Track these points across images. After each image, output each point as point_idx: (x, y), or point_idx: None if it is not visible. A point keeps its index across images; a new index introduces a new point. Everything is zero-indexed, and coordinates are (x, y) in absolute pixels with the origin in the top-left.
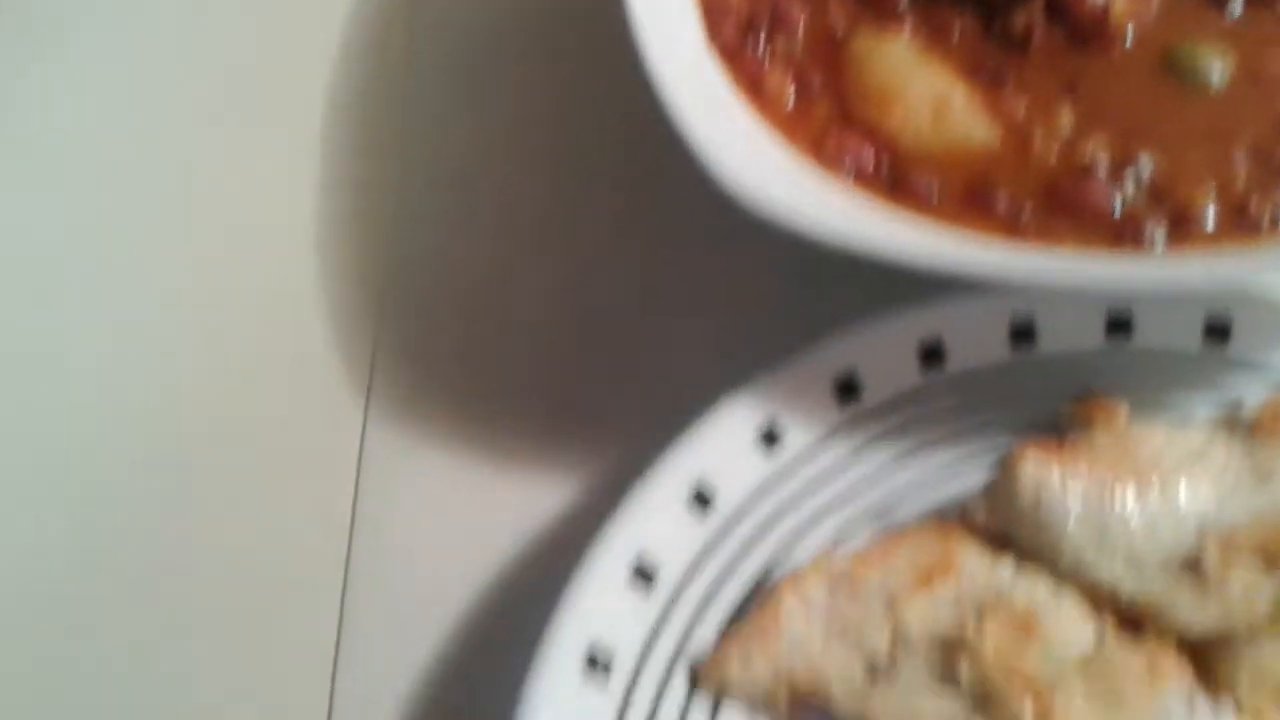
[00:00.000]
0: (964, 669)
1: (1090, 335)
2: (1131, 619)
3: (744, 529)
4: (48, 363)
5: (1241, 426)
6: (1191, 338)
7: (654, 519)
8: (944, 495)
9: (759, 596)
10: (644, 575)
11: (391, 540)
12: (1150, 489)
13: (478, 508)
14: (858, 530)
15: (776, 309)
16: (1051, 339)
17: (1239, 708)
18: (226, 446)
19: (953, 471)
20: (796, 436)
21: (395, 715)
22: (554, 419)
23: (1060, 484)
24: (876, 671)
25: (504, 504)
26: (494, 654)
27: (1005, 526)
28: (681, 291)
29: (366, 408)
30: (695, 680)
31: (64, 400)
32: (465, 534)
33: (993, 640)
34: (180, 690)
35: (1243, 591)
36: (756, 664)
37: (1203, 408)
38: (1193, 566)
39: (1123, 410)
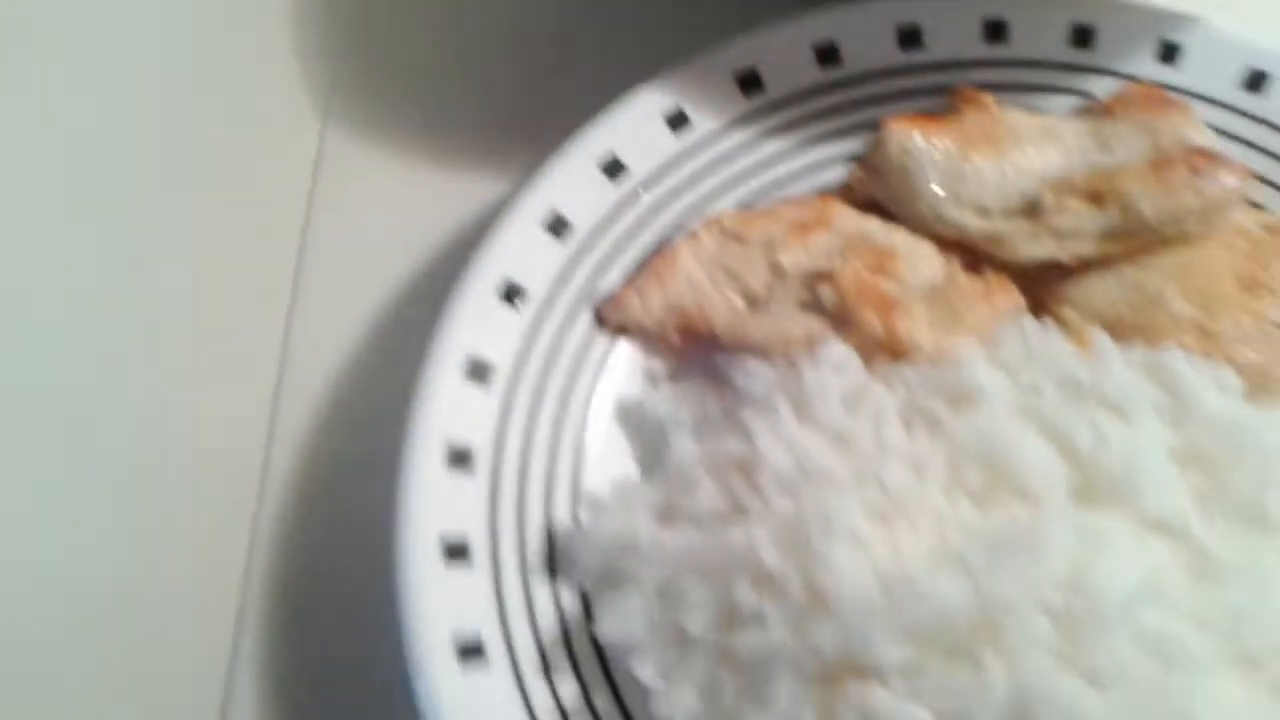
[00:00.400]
0: (826, 294)
1: (970, 42)
2: (975, 259)
3: (653, 195)
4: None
5: (1092, 112)
6: (1060, 45)
7: (568, 182)
8: (832, 178)
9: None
10: (557, 226)
11: (343, 224)
12: (1003, 152)
13: (422, 198)
14: (753, 205)
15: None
16: (937, 44)
17: (1064, 329)
18: (194, 140)
19: (843, 161)
20: (704, 121)
21: (344, 355)
22: (492, 125)
23: (924, 145)
24: (755, 304)
25: (445, 195)
26: (432, 302)
27: (875, 189)
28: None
29: (325, 115)
30: (599, 318)
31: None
32: (410, 220)
33: (852, 269)
34: (147, 337)
35: (1072, 224)
36: (653, 302)
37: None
38: (1033, 210)
39: (989, 97)
